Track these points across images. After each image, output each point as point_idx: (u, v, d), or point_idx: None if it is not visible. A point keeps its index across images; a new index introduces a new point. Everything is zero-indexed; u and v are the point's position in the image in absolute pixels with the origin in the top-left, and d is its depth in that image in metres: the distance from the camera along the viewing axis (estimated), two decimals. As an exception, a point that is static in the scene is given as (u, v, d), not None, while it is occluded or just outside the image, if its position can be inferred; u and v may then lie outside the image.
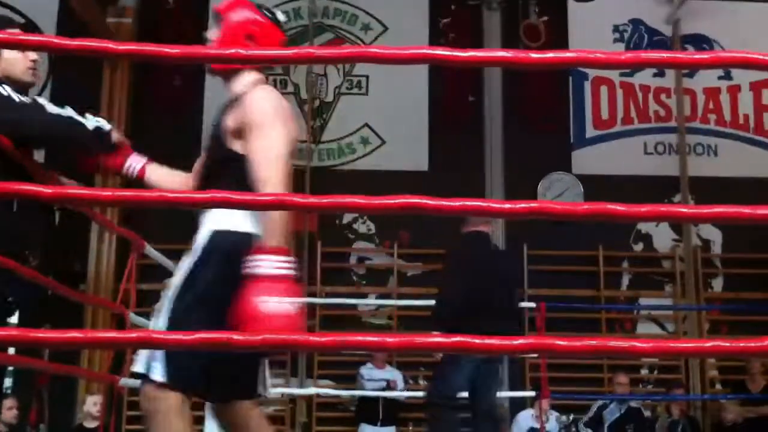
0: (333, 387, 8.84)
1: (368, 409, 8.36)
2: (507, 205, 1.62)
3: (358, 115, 10.17)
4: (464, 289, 5.27)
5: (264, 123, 2.44)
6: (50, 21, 9.68)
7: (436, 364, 5.91)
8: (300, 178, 9.41)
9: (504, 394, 8.79)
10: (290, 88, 10.22)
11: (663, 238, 10.03)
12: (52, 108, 2.92)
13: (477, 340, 1.61)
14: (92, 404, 7.14)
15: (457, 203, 1.57)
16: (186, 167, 2.67)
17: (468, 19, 10.32)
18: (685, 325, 9.73)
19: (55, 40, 1.69)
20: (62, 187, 1.85)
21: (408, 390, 8.63)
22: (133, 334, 1.27)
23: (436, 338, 1.55)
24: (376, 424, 8.32)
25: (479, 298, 5.25)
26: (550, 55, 1.62)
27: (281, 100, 2.48)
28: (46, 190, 1.61)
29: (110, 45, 1.69)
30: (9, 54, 3.06)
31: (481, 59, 1.75)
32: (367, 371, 8.48)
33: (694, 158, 10.17)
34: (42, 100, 2.99)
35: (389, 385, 8.29)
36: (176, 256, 2.73)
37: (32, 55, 3.12)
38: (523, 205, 1.58)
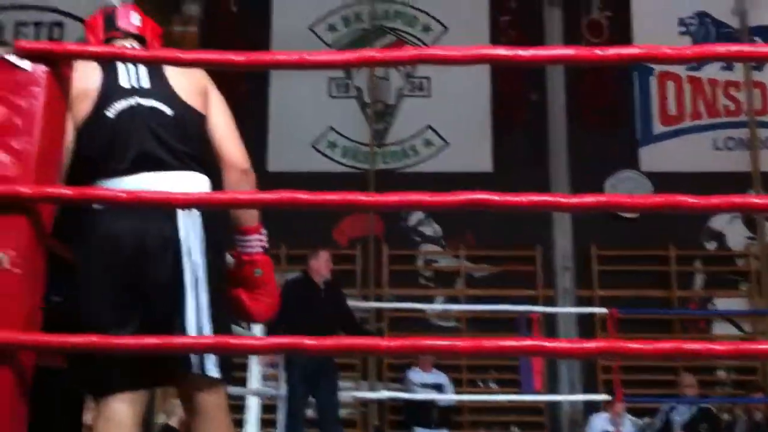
0: (399, 390, 8.83)
1: (421, 413, 8.30)
2: (575, 199, 1.60)
3: (421, 117, 10.16)
4: None
5: None
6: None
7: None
8: (363, 181, 9.45)
9: (577, 397, 8.71)
10: (352, 92, 10.27)
11: (736, 236, 9.78)
12: None
13: (547, 343, 1.59)
14: (178, 404, 7.25)
15: (524, 198, 1.55)
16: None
17: (529, 17, 10.23)
18: (764, 324, 9.46)
19: (128, 51, 1.73)
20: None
21: (474, 394, 8.60)
22: (210, 340, 1.29)
23: (508, 341, 1.53)
24: (430, 427, 8.28)
25: None
26: (615, 51, 1.59)
27: None
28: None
29: (180, 54, 1.73)
30: None
31: (544, 57, 1.73)
32: (414, 375, 8.43)
33: (766, 153, 9.89)
34: None
35: (438, 389, 8.27)
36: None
37: None
38: (591, 199, 1.56)
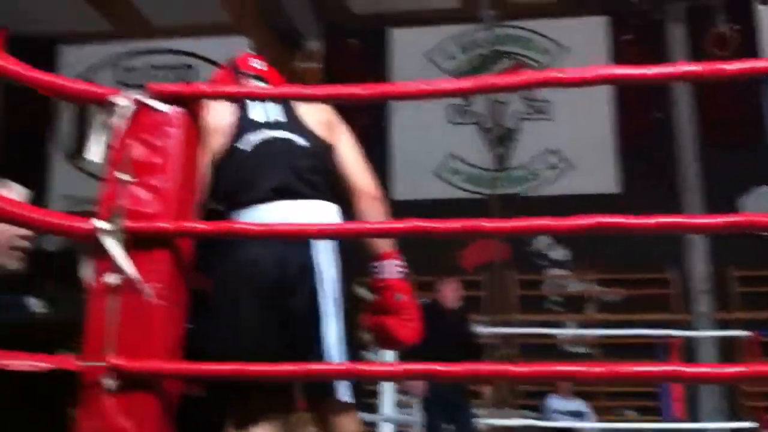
0: (535, 417, 8.67)
1: None
2: (707, 220, 1.54)
3: (543, 140, 10.05)
4: None
5: None
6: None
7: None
8: (486, 206, 9.40)
9: (720, 425, 8.31)
10: (472, 118, 10.27)
11: None
12: None
13: (686, 368, 1.53)
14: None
15: (654, 220, 1.50)
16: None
17: (650, 34, 9.97)
18: None
19: (256, 88, 1.80)
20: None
21: (612, 422, 8.34)
22: (343, 366, 1.31)
23: (645, 367, 1.48)
24: None
25: None
26: (747, 65, 1.52)
27: None
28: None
29: (305, 89, 1.78)
30: None
31: (669, 75, 1.68)
32: (553, 402, 8.25)
33: None
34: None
35: (578, 416, 8.04)
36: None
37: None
38: (725, 219, 1.49)
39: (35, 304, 2.39)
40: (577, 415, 8.11)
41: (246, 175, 2.30)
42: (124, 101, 1.76)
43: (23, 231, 2.33)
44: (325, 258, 2.25)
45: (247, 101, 2.38)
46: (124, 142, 1.76)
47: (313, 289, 2.22)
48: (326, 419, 2.29)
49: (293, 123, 2.41)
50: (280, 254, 2.21)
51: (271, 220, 2.17)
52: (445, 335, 6.33)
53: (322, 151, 2.42)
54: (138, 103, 1.77)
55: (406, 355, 6.13)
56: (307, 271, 2.23)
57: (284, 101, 2.41)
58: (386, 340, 2.49)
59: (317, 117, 2.45)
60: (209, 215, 2.23)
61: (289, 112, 2.42)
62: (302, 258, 2.22)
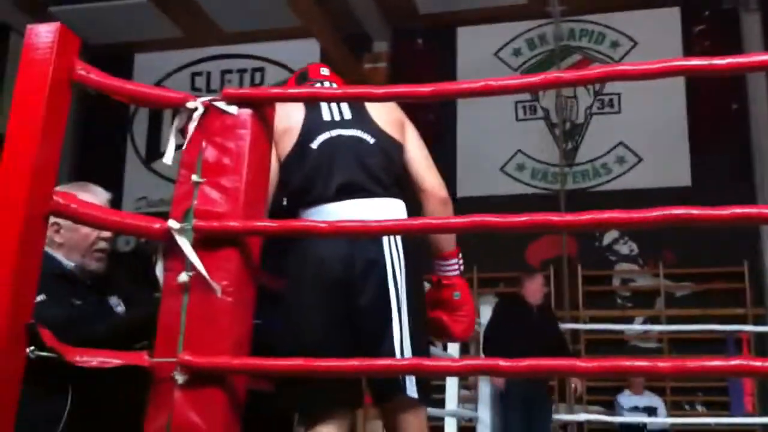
0: (604, 413, 8.57)
1: None
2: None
3: (612, 134, 9.91)
4: None
5: None
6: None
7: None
8: (554, 202, 9.32)
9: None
10: (540, 114, 10.19)
11: None
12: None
13: (757, 363, 1.51)
14: (379, 426, 7.42)
15: (727, 211, 1.48)
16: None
17: (724, 24, 9.74)
18: None
19: (324, 90, 1.84)
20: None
21: (681, 417, 8.18)
22: (409, 361, 1.33)
23: (713, 362, 1.47)
24: None
25: None
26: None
27: None
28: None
29: (371, 89, 1.81)
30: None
31: (743, 65, 1.65)
32: (625, 398, 8.16)
33: None
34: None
35: (651, 412, 7.91)
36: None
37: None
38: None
39: (116, 304, 2.48)
40: (650, 410, 7.99)
41: (313, 173, 2.35)
42: (196, 105, 1.81)
43: (105, 233, 2.43)
44: (394, 254, 2.29)
45: (319, 103, 2.44)
46: (196, 144, 1.82)
47: (381, 285, 2.26)
48: (393, 415, 2.32)
49: (363, 121, 2.45)
50: (348, 251, 2.25)
51: (339, 217, 2.19)
52: (530, 331, 6.30)
53: (392, 149, 2.45)
54: (210, 106, 1.83)
55: (485, 349, 6.15)
56: (375, 267, 2.26)
57: (353, 102, 2.46)
58: (440, 334, 2.57)
59: (386, 116, 2.48)
60: (279, 213, 2.30)
61: (359, 111, 2.47)
62: (371, 254, 2.26)
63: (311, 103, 2.39)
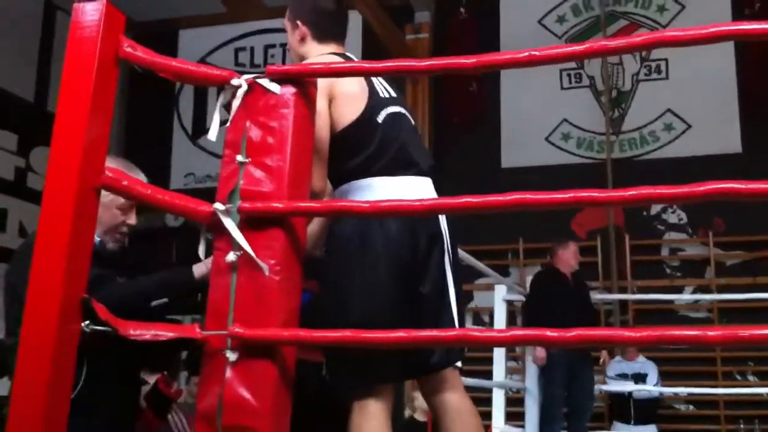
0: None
1: (619, 406, 7.68)
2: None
3: (660, 101, 9.73)
4: None
5: None
6: (356, 44, 10.28)
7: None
8: (600, 171, 9.21)
9: None
10: (585, 82, 10.04)
11: None
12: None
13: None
14: (423, 399, 7.41)
15: (773, 185, 1.46)
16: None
17: (776, -14, 9.46)
18: None
19: (366, 65, 1.84)
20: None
21: (731, 387, 8.05)
22: (453, 332, 1.35)
23: (764, 330, 1.45)
24: (629, 423, 7.55)
25: None
26: None
27: None
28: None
29: (413, 63, 1.81)
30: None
31: (791, 29, 1.61)
32: (614, 365, 7.74)
33: None
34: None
35: (639, 380, 7.53)
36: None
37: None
38: None
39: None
40: (639, 377, 7.60)
41: (376, 146, 2.35)
42: (240, 83, 1.83)
43: (132, 221, 2.51)
44: (446, 228, 2.37)
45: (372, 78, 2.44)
46: (240, 123, 1.83)
47: (442, 258, 2.33)
48: (437, 387, 2.38)
49: (402, 100, 2.52)
50: (412, 224, 2.28)
51: (396, 193, 2.23)
52: (565, 298, 6.29)
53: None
54: (254, 84, 1.84)
55: (524, 319, 6.12)
56: (438, 240, 2.33)
57: (393, 77, 2.47)
58: None
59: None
60: (337, 180, 2.33)
61: (399, 88, 2.53)
62: (433, 227, 2.33)
63: (352, 77, 2.38)
